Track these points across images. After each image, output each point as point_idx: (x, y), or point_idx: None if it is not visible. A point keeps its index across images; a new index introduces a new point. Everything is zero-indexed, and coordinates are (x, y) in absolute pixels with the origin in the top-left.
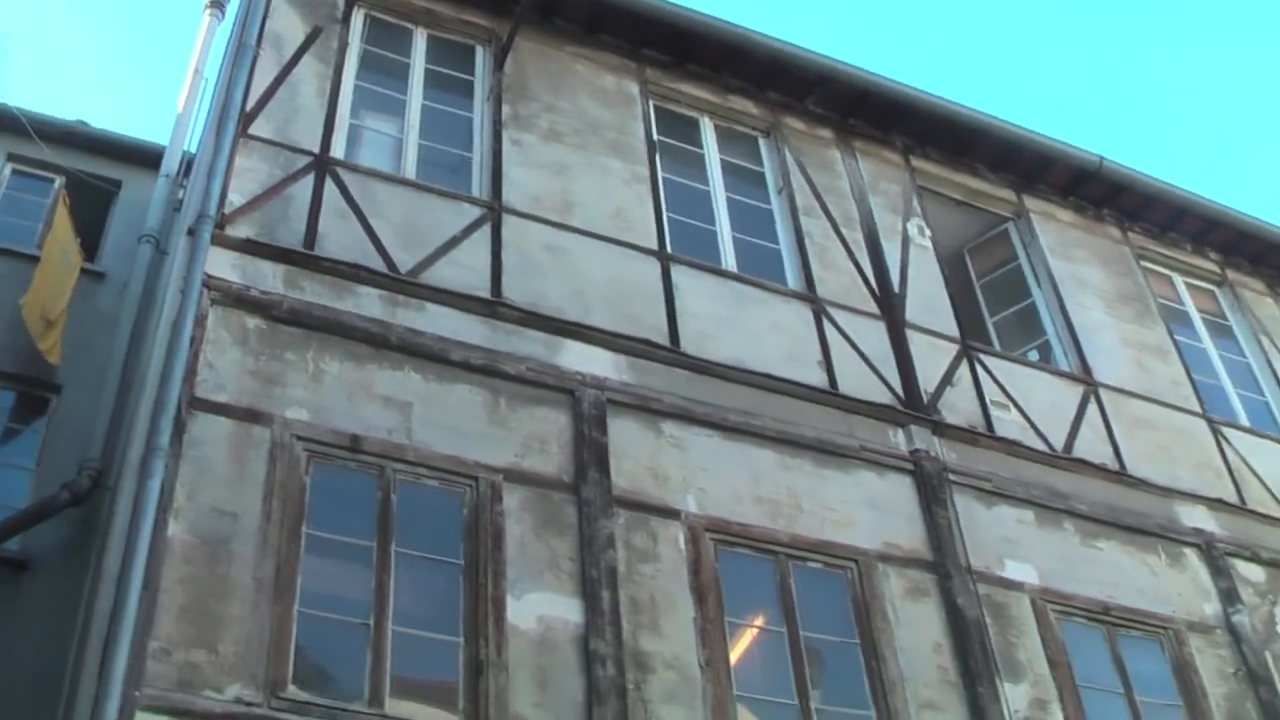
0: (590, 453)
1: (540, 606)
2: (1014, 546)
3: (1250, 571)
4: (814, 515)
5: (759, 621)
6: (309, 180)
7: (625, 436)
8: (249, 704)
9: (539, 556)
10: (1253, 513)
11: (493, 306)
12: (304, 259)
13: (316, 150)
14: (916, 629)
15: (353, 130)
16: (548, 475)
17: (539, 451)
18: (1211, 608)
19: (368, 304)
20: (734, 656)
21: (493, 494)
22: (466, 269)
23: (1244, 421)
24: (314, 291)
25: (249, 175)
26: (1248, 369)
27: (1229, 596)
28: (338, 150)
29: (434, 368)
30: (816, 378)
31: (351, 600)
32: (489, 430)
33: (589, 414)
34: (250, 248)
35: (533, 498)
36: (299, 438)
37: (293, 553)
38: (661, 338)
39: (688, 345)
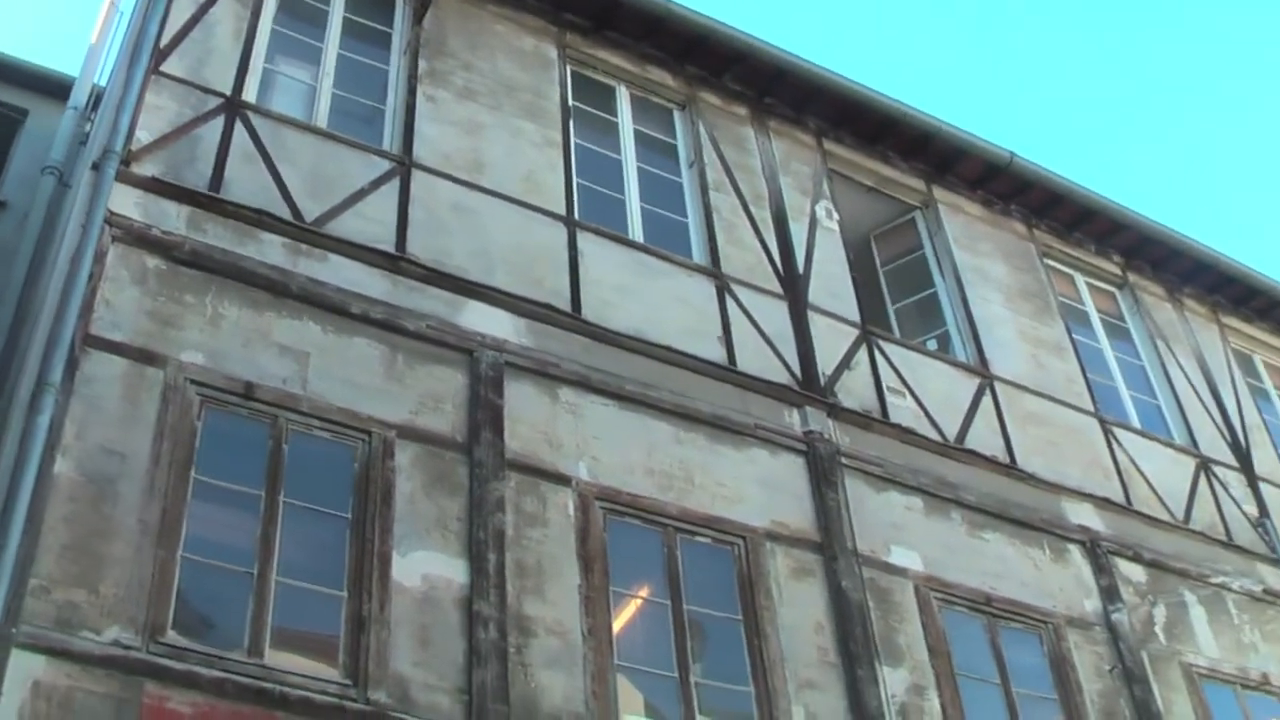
0: (485, 414)
1: (426, 565)
2: (901, 532)
3: (1132, 571)
4: (705, 490)
5: (644, 592)
6: (219, 122)
7: (521, 400)
8: (127, 647)
9: (427, 515)
10: (1138, 513)
11: (396, 261)
12: (209, 201)
13: (228, 92)
14: (800, 608)
15: (266, 75)
16: (441, 434)
17: (434, 410)
18: (1092, 604)
19: (270, 251)
20: (617, 626)
21: (385, 450)
22: (372, 222)
23: (1135, 423)
24: (217, 235)
25: (158, 113)
26: (1142, 372)
27: (1110, 594)
28: (250, 94)
29: (333, 319)
30: (716, 353)
31: (236, 548)
32: (385, 385)
33: (486, 375)
34: (155, 186)
35: (425, 456)
36: (193, 381)
37: (180, 497)
38: (564, 303)
39: (589, 313)
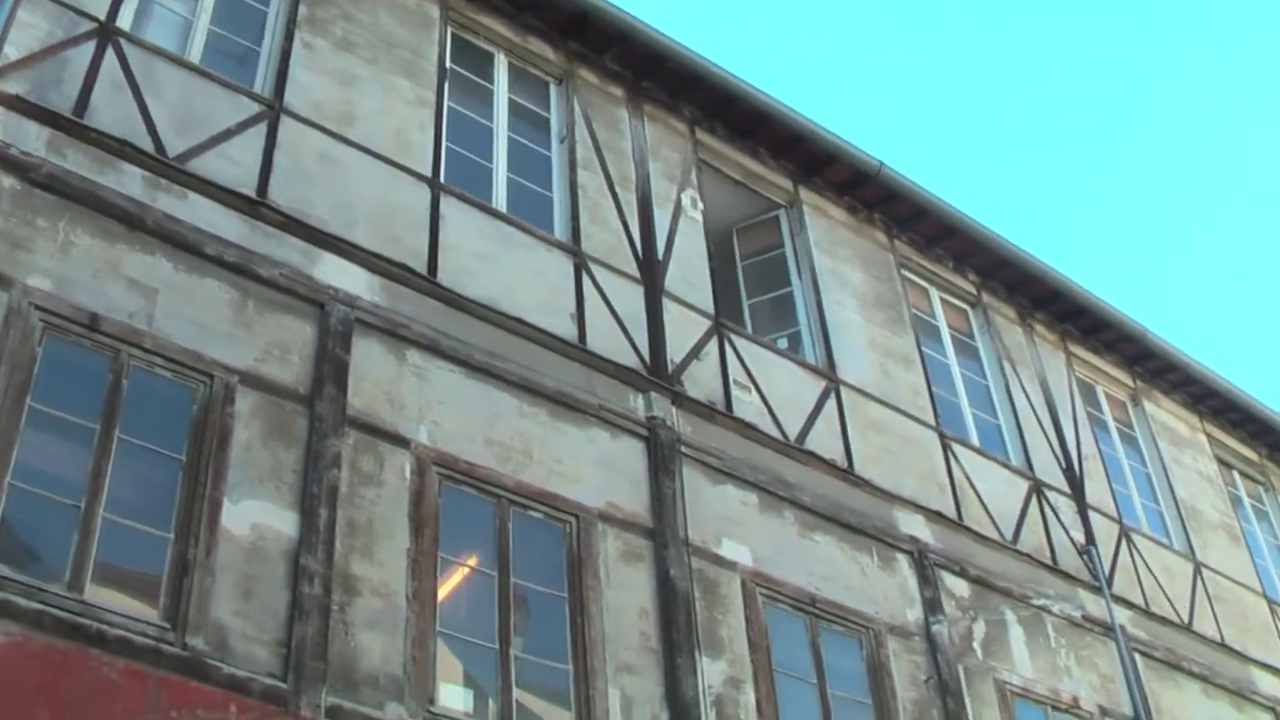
0: (330, 368)
1: (256, 515)
2: (733, 526)
3: (956, 585)
4: (542, 465)
5: (472, 562)
6: (90, 47)
7: (368, 358)
8: None
9: (262, 464)
10: (968, 530)
11: (256, 207)
12: (71, 126)
13: (103, 18)
14: (626, 592)
15: (143, 4)
16: (284, 384)
17: (279, 359)
18: (914, 614)
19: (129, 183)
20: (442, 592)
21: (225, 394)
22: (236, 164)
23: (974, 441)
24: (76, 161)
25: (29, 31)
26: (986, 391)
27: (932, 606)
28: (124, 21)
29: (186, 258)
30: (567, 330)
31: (66, 480)
32: (232, 330)
33: (335, 329)
34: (18, 105)
35: (265, 405)
36: (37, 307)
37: (13, 423)
38: (420, 265)
39: (445, 277)
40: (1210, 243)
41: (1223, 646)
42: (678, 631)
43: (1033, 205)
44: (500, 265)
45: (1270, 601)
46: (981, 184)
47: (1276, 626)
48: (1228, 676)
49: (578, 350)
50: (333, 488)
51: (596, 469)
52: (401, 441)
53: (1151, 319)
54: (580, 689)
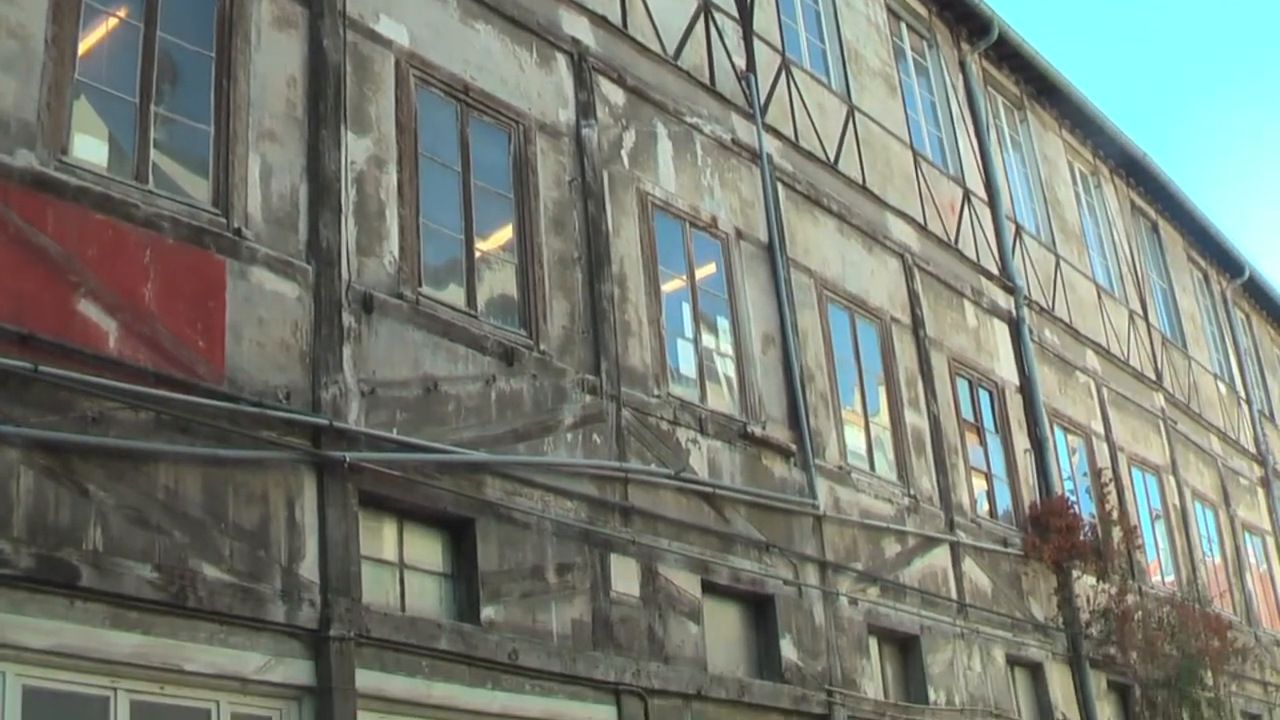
0: None
1: None
2: (393, 4)
3: (613, 93)
4: None
5: (121, 13)
6: None
7: None
8: None
9: None
10: (631, 39)
11: None
12: None
13: None
14: (275, 58)
15: None
16: None
17: None
18: (566, 116)
19: None
20: (85, 42)
21: None
22: None
23: None
24: None
25: None
26: None
27: (585, 110)
28: None
29: None
30: None
31: None
32: None
33: None
34: None
35: None
36: None
37: None
38: None
39: None
40: None
41: (863, 189)
42: (325, 104)
43: None
44: None
45: (916, 153)
46: None
47: (916, 178)
48: (863, 218)
49: None
50: None
51: None
52: None
53: None
54: (220, 153)
